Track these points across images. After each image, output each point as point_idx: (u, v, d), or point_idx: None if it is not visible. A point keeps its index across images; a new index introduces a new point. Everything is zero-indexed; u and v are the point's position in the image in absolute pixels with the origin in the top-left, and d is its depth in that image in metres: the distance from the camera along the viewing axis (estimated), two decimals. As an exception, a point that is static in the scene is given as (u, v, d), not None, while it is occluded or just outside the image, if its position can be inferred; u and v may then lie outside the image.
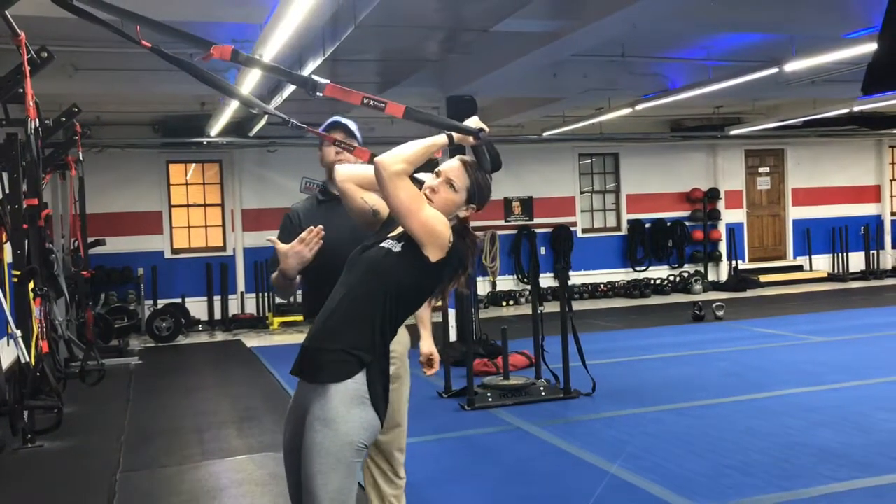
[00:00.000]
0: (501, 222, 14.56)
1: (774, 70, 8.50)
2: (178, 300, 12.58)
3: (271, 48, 6.26)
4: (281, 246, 2.95)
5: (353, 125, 3.38)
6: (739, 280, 15.22)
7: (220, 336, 12.07)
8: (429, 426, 5.98)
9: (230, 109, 9.27)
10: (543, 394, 6.79)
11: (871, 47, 6.90)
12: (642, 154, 15.42)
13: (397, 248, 2.48)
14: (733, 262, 15.78)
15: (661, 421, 5.95)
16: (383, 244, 2.52)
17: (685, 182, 15.77)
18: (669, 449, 5.21)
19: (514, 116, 12.01)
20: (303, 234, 2.91)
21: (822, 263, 16.45)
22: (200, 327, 12.65)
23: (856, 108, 12.75)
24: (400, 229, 2.52)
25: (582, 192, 15.35)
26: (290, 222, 3.37)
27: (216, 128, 10.89)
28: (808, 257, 16.41)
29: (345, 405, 2.37)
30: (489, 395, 6.65)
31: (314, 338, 2.51)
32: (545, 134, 13.71)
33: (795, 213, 16.49)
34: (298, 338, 13.42)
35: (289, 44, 6.30)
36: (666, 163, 15.59)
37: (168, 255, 13.02)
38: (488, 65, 7.96)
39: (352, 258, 2.58)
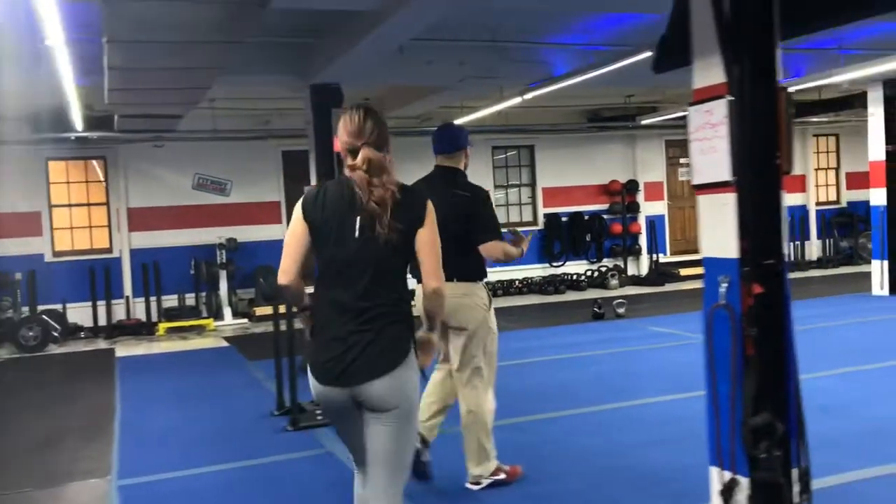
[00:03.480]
0: (411, 218, 13.91)
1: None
2: (59, 306, 11.82)
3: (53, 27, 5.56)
4: None
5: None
6: (659, 274, 14.77)
7: (101, 344, 11.32)
8: (233, 452, 5.37)
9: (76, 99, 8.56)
10: (384, 408, 6.21)
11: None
12: (558, 146, 14.90)
13: None
14: (654, 256, 15.32)
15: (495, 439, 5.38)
16: None
17: (603, 174, 15.29)
18: (480, 475, 4.64)
19: (406, 107, 11.39)
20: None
21: (746, 256, 16.05)
22: (83, 334, 11.86)
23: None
24: None
25: (496, 187, 14.78)
26: None
27: (77, 120, 10.11)
28: (732, 249, 15.99)
29: None
30: (319, 413, 6.05)
31: None
32: (452, 125, 13.09)
33: (719, 204, 16.06)
34: (182, 345, 12.39)
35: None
36: (583, 155, 15.09)
37: (49, 258, 12.23)
38: (337, 49, 7.34)
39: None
